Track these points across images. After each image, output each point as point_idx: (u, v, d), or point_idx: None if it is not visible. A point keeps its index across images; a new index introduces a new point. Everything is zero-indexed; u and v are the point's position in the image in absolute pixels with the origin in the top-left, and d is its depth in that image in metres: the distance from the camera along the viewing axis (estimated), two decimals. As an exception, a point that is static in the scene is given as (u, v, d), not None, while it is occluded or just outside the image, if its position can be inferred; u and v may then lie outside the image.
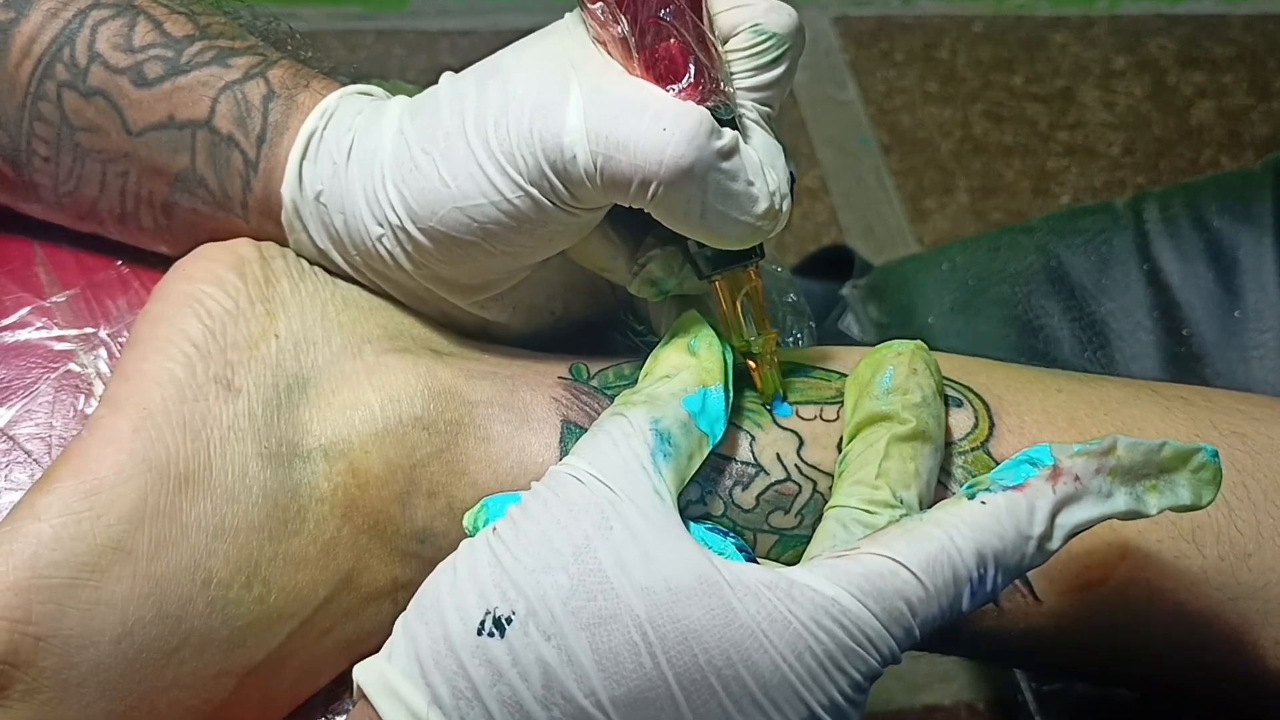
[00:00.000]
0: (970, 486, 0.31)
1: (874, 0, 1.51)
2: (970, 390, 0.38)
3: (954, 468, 0.36)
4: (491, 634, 0.29)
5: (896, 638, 0.29)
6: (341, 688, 0.38)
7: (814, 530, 0.34)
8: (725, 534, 0.34)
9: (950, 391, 0.37)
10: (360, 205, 0.37)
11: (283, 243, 0.40)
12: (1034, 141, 1.42)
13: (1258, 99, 1.47)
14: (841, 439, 0.36)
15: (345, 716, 0.37)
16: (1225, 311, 0.59)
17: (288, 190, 0.39)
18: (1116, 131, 1.43)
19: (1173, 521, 0.36)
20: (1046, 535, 0.30)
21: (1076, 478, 0.31)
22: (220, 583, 0.34)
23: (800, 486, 0.37)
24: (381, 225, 0.37)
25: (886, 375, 0.35)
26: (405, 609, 0.32)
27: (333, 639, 0.37)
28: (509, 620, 0.30)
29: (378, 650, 0.31)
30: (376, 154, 0.37)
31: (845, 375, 0.38)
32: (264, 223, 0.40)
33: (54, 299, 0.41)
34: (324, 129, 0.39)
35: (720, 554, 0.32)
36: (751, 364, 0.37)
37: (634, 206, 0.34)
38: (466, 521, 0.34)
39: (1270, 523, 0.36)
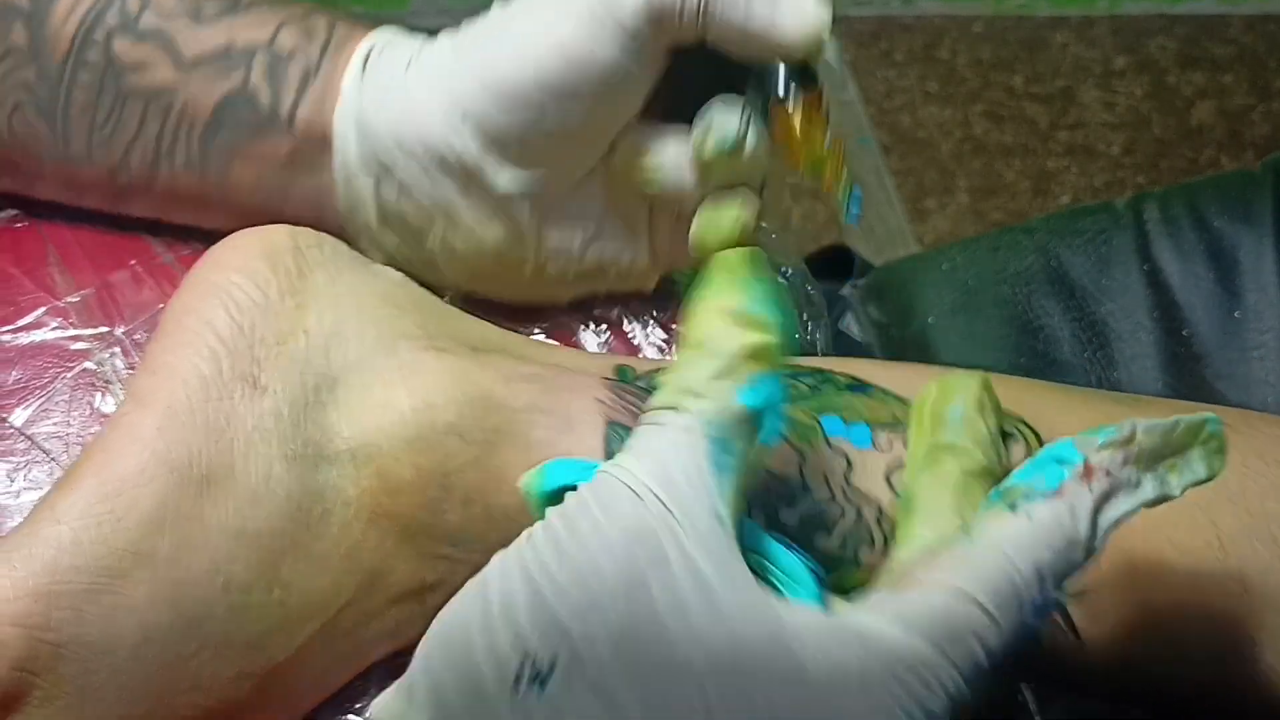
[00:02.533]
0: (1000, 494, 0.30)
1: (874, 0, 1.51)
2: (1022, 422, 0.37)
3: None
4: (530, 687, 0.26)
5: (969, 679, 0.28)
6: (367, 681, 0.37)
7: (855, 555, 0.34)
8: (791, 546, 0.31)
9: (1004, 427, 0.36)
10: (417, 89, 0.40)
11: (319, 161, 0.41)
12: (1034, 141, 1.42)
13: (1258, 99, 1.47)
14: (888, 467, 0.36)
15: None
16: (1225, 311, 0.59)
17: (349, 79, 0.41)
18: (1116, 131, 1.43)
19: (1219, 560, 0.35)
20: (1091, 536, 0.29)
21: (1107, 472, 0.30)
22: (241, 586, 0.33)
23: (844, 510, 0.36)
24: (437, 96, 0.39)
25: (957, 407, 0.33)
26: (435, 612, 0.29)
27: (355, 639, 0.36)
28: (550, 670, 0.26)
29: (402, 650, 0.30)
30: (439, 56, 0.40)
31: (902, 399, 0.37)
32: (311, 128, 0.41)
33: (69, 299, 0.42)
34: (384, 46, 0.41)
35: (788, 574, 0.30)
36: (826, 178, 0.37)
37: (685, 38, 0.36)
38: (524, 483, 0.31)
39: None
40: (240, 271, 0.36)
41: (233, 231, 0.41)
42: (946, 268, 0.66)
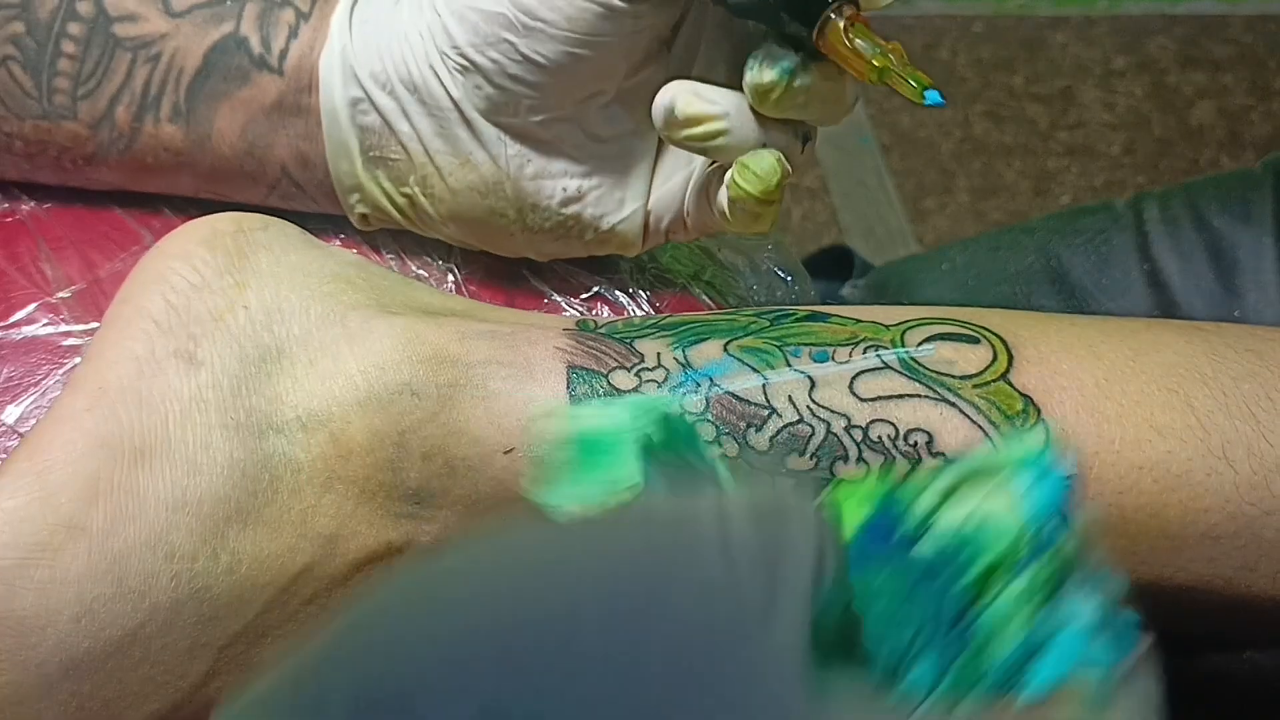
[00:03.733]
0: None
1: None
2: (985, 328, 0.37)
3: (976, 399, 0.36)
4: None
5: None
6: None
7: (830, 473, 0.34)
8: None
9: (964, 331, 0.37)
10: (403, 22, 0.40)
11: (304, 105, 0.41)
12: (1034, 141, 1.42)
13: (1258, 99, 1.47)
14: (852, 381, 0.36)
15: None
16: (1225, 311, 0.59)
17: (336, 20, 0.41)
18: (1116, 131, 1.43)
19: (1201, 439, 0.35)
20: None
21: None
22: (184, 555, 0.33)
23: (813, 428, 0.36)
24: (420, 32, 0.39)
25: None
26: (400, 573, 0.25)
27: (319, 607, 0.36)
28: None
29: None
30: None
31: (859, 320, 0.38)
32: (296, 81, 0.41)
33: (60, 294, 0.42)
34: None
35: None
36: (889, 81, 0.37)
37: None
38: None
39: None
40: (179, 257, 0.37)
41: (206, 197, 0.43)
42: (946, 268, 0.66)
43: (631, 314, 0.46)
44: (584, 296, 0.46)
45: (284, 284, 0.37)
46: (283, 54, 0.41)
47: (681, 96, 0.38)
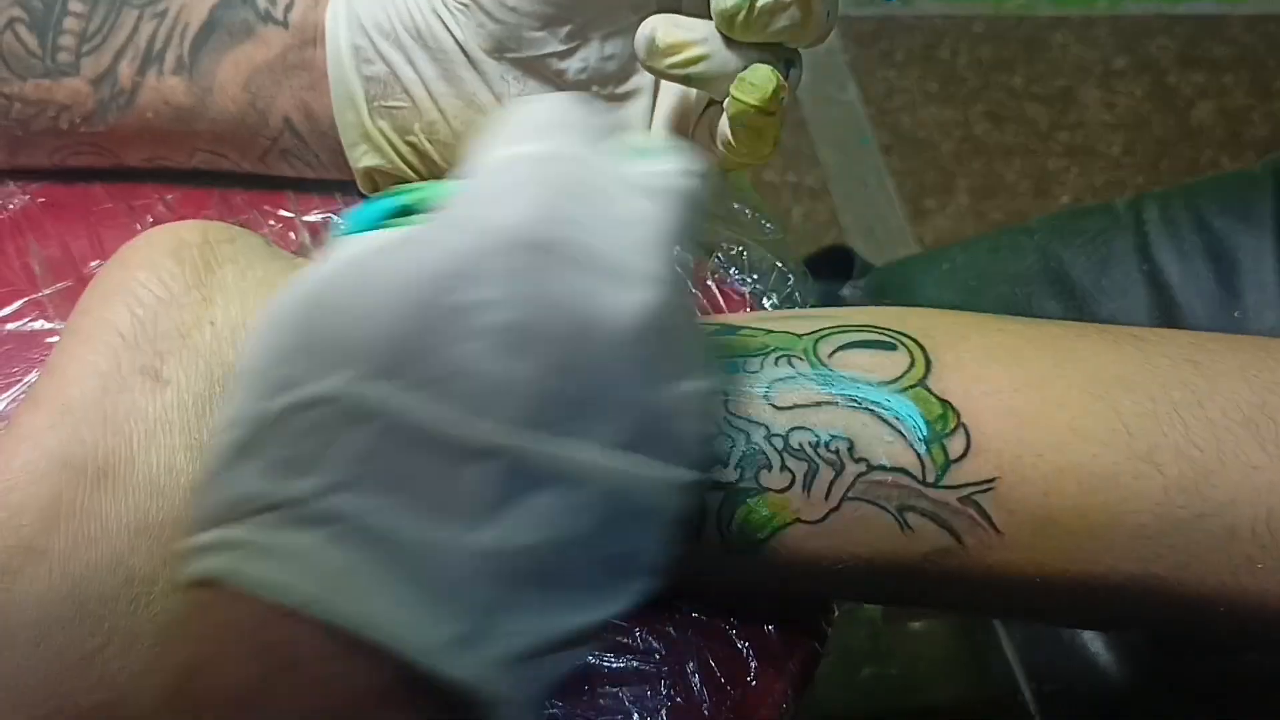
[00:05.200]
0: None
1: (874, 0, 1.51)
2: (902, 334, 0.37)
3: (895, 404, 0.35)
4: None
5: None
6: None
7: (756, 479, 0.34)
8: None
9: (880, 337, 0.37)
10: None
11: (311, 60, 0.42)
12: (1034, 141, 1.42)
13: (1258, 99, 1.47)
14: (764, 385, 0.36)
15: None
16: (1225, 311, 0.58)
17: None
18: (1116, 131, 1.43)
19: (1126, 443, 0.35)
20: None
21: None
22: (144, 579, 0.33)
23: (733, 439, 0.36)
24: None
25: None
26: None
27: None
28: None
29: None
30: None
31: (771, 331, 0.37)
32: (300, 34, 0.42)
33: (45, 291, 0.41)
34: None
35: None
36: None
37: None
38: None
39: (1231, 440, 0.35)
40: (145, 268, 0.36)
41: (200, 165, 0.43)
42: (946, 268, 0.66)
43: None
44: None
45: (250, 299, 0.37)
46: (288, 7, 0.42)
47: (661, 27, 0.39)
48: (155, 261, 0.36)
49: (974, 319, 0.39)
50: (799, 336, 0.37)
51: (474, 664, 0.26)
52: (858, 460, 0.35)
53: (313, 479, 0.26)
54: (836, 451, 0.35)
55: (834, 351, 0.36)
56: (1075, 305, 0.60)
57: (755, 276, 0.50)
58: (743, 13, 0.37)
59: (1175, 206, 0.62)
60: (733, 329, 0.38)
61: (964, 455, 0.34)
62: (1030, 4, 1.52)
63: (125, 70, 0.42)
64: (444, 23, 0.41)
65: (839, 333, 0.37)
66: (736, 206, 0.51)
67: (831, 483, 0.35)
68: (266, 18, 0.42)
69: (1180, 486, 0.34)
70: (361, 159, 0.43)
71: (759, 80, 0.38)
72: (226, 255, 0.37)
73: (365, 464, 0.26)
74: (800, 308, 0.51)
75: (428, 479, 0.26)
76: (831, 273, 0.76)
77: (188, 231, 0.37)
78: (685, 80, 0.40)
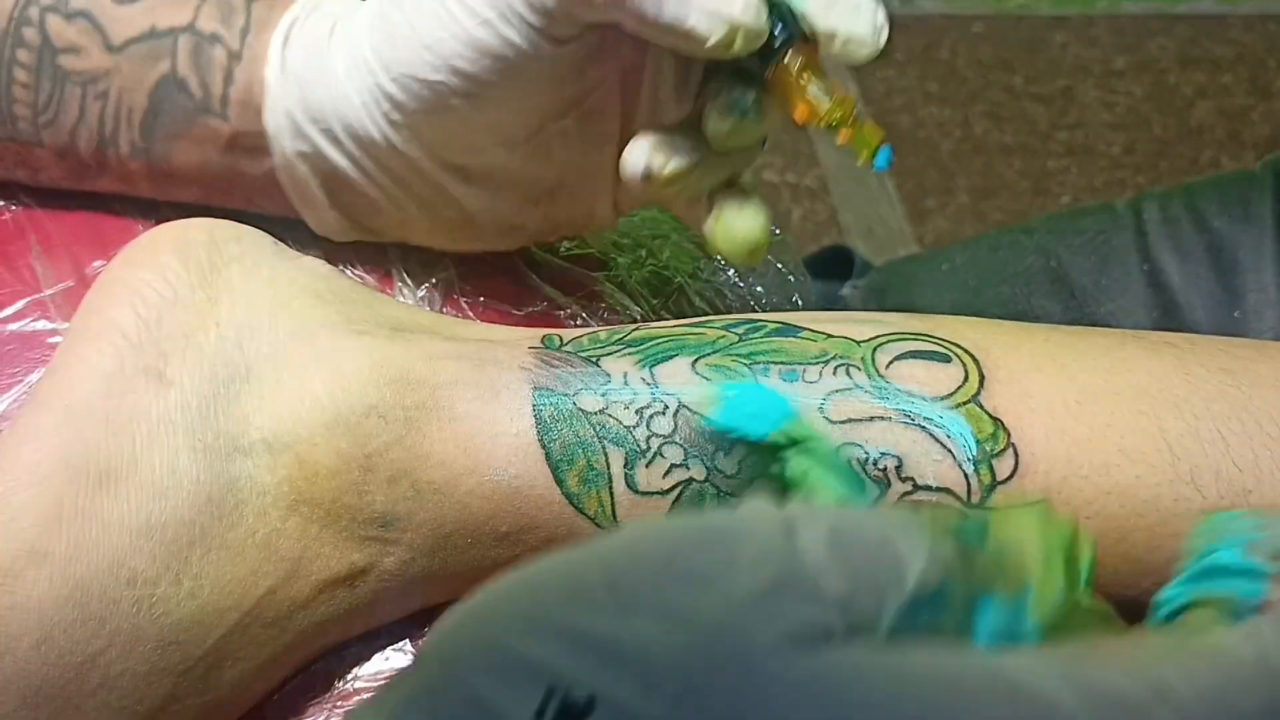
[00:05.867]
0: (1168, 604, 0.26)
1: (874, 0, 1.51)
2: (956, 345, 0.37)
3: (947, 423, 0.35)
4: None
5: None
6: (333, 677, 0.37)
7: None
8: None
9: (936, 348, 0.37)
10: (341, 78, 0.38)
11: (259, 146, 0.40)
12: (1034, 141, 1.42)
13: (1258, 99, 1.47)
14: (822, 402, 0.36)
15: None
16: (1225, 311, 0.58)
17: (271, 72, 0.39)
18: (1116, 131, 1.43)
19: (1170, 464, 0.35)
20: None
21: None
22: (146, 580, 0.32)
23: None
24: (361, 92, 0.38)
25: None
26: (369, 596, 0.28)
27: (284, 629, 0.35)
28: (588, 708, 0.20)
29: (336, 642, 0.30)
30: (357, 27, 0.38)
31: (830, 335, 0.37)
32: (244, 116, 0.40)
33: (47, 291, 0.41)
34: (306, 17, 0.40)
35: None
36: (842, 131, 0.36)
37: (605, 19, 0.35)
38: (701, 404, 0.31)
39: (1268, 455, 0.35)
40: (150, 268, 0.36)
41: (200, 203, 0.42)
42: (946, 268, 0.66)
43: (630, 311, 0.46)
44: (579, 294, 0.46)
45: (255, 300, 0.36)
46: (224, 100, 0.40)
47: (657, 158, 0.37)
48: (160, 261, 0.36)
49: (1022, 329, 0.39)
50: (858, 343, 0.37)
51: None
52: (904, 479, 0.34)
53: None
54: (885, 470, 0.35)
55: (891, 361, 0.36)
56: (1075, 305, 0.60)
57: (755, 276, 0.50)
58: (734, 128, 0.38)
59: (1175, 206, 0.62)
60: (793, 330, 0.38)
61: (1011, 476, 0.34)
62: (1030, 4, 1.52)
63: (84, 148, 0.41)
64: (374, 135, 0.39)
65: (896, 340, 0.37)
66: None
67: (875, 501, 0.35)
68: (205, 109, 0.40)
69: (1218, 508, 0.34)
70: (334, 236, 0.43)
71: (751, 242, 0.38)
72: (232, 254, 0.37)
73: None
74: (800, 308, 0.51)
75: None
76: (831, 273, 0.76)
77: (193, 230, 0.37)
78: (678, 195, 0.39)
